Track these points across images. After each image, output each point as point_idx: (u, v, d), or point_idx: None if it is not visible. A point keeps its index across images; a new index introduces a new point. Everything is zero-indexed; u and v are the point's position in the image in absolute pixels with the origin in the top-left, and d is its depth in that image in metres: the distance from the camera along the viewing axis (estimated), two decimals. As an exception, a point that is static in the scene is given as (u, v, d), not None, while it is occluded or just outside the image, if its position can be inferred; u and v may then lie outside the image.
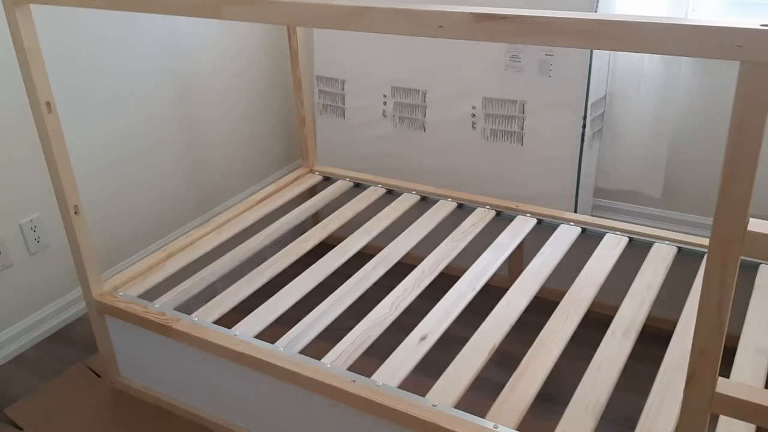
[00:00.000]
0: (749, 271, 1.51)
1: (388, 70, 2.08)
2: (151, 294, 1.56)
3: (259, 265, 1.66)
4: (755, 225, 0.74)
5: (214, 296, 1.54)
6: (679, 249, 1.62)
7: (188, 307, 1.61)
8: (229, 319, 1.50)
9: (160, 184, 2.03)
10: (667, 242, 1.64)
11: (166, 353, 1.46)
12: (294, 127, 2.26)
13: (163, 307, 1.47)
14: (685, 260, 1.61)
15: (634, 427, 1.13)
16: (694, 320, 1.36)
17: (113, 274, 1.95)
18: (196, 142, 2.10)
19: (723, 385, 0.84)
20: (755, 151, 0.70)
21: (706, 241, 1.62)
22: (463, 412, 1.15)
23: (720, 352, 0.81)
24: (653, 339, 1.56)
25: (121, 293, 1.53)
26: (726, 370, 1.26)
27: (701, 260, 1.58)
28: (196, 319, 1.42)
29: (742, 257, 0.78)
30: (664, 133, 1.91)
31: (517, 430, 1.12)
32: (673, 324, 1.37)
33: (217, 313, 1.47)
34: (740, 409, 0.83)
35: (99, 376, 1.65)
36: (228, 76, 2.17)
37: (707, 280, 0.78)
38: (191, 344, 1.38)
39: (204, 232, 1.78)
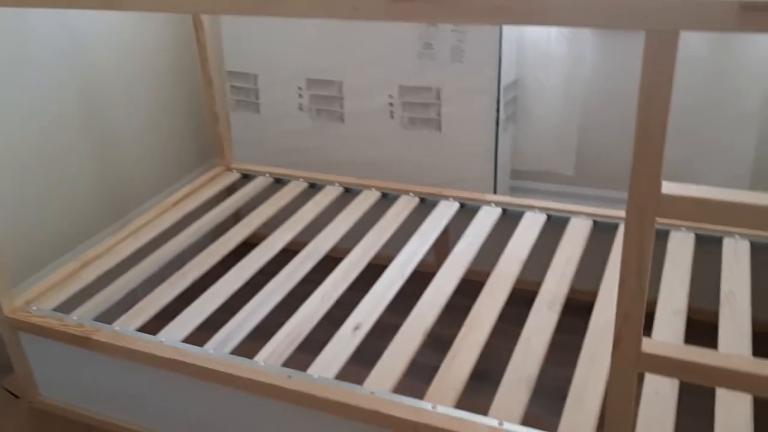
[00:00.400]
0: (661, 238, 1.59)
1: (302, 62, 2.05)
2: (68, 306, 1.49)
3: (180, 268, 1.61)
4: (668, 188, 0.78)
5: (135, 304, 1.48)
6: (595, 222, 1.69)
7: (108, 317, 1.54)
8: (152, 326, 1.45)
9: (70, 191, 1.94)
10: (582, 216, 1.70)
11: (88, 367, 1.40)
12: (207, 125, 2.21)
13: (81, 318, 1.41)
14: (601, 232, 1.67)
15: (565, 396, 1.17)
16: (614, 289, 1.42)
17: (26, 288, 1.84)
18: (106, 145, 2.01)
19: (648, 345, 0.87)
20: (664, 116, 0.73)
21: (619, 213, 1.69)
22: (401, 396, 1.16)
23: (643, 313, 0.85)
24: (576, 311, 1.61)
25: (35, 307, 1.45)
26: (647, 333, 1.31)
27: (615, 231, 1.65)
28: (117, 328, 1.36)
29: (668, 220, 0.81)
30: (573, 113, 1.97)
31: (454, 407, 1.13)
32: (594, 295, 1.43)
33: (140, 321, 1.41)
34: (665, 365, 0.87)
35: (17, 397, 1.56)
36: (135, 76, 2.08)
37: (627, 245, 0.81)
38: (114, 355, 1.33)
39: (120, 238, 1.71)
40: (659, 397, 1.13)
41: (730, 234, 1.56)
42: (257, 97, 2.17)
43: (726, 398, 1.12)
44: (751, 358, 0.85)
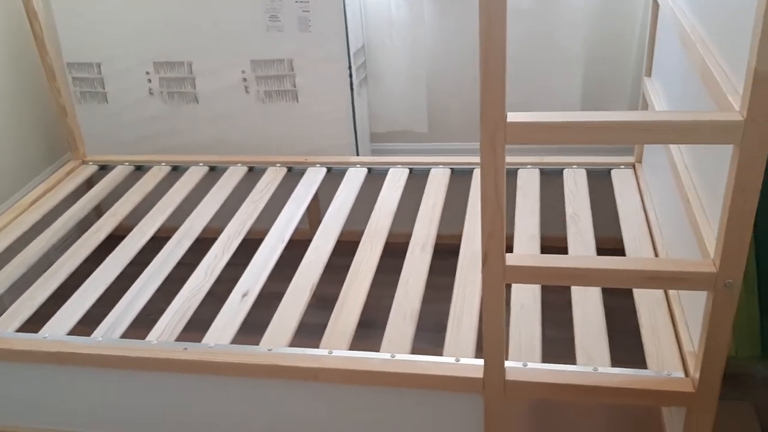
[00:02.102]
0: (511, 176, 1.75)
1: (147, 46, 2.01)
2: (-70, 321, 1.40)
3: (48, 268, 1.56)
4: (513, 116, 0.89)
5: (5, 309, 1.42)
6: (452, 170, 1.82)
7: (-22, 326, 1.46)
8: (31, 327, 1.40)
9: None
10: (441, 166, 1.83)
11: (-36, 379, 1.33)
12: (54, 120, 2.10)
13: (-50, 330, 1.33)
14: (459, 179, 1.81)
15: (445, 329, 1.28)
16: (476, 227, 1.56)
17: None
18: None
19: (511, 259, 0.99)
20: (502, 53, 0.84)
21: (473, 159, 1.83)
22: (298, 348, 1.22)
23: (503, 231, 0.96)
24: (446, 254, 1.74)
25: None
26: (509, 261, 1.46)
27: (471, 176, 1.79)
28: (-6, 332, 1.31)
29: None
30: (421, 74, 2.09)
31: (349, 350, 1.21)
32: (460, 237, 1.55)
33: (18, 322, 1.36)
34: (528, 274, 1.00)
35: None
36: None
37: (484, 170, 0.91)
38: (-4, 359, 1.28)
39: (-23, 246, 1.62)
40: (525, 310, 1.28)
41: (569, 165, 1.75)
42: (103, 87, 2.10)
43: (580, 305, 1.28)
44: (595, 256, 1.00)
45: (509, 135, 0.89)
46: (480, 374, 1.11)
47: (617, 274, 0.97)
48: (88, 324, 1.38)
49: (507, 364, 1.12)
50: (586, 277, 0.99)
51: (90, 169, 1.98)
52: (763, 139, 0.83)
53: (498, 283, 0.99)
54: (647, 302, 1.26)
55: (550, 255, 1.00)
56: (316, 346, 1.24)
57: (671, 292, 1.27)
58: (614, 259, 0.98)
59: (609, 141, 0.89)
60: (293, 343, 1.26)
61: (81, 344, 1.26)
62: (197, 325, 1.36)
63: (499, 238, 0.96)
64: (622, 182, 1.67)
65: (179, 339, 1.29)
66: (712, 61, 1.00)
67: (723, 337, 0.98)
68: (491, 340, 1.05)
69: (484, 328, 1.04)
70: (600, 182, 1.73)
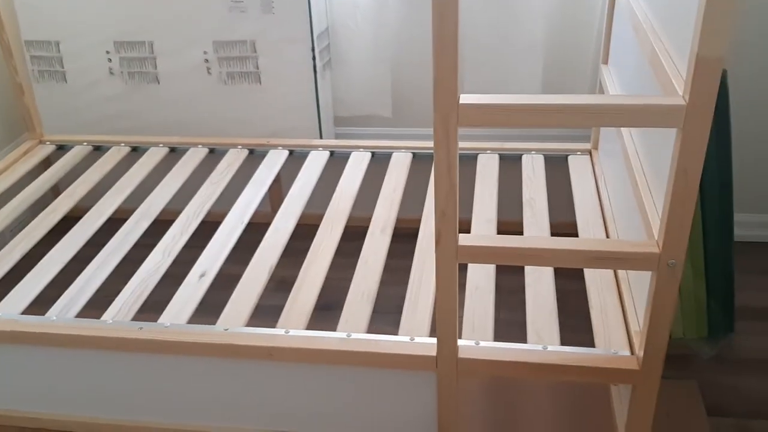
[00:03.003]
0: (470, 161, 1.77)
1: (107, 24, 1.98)
2: None
3: (2, 248, 1.53)
4: (465, 98, 0.90)
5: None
6: (414, 154, 1.84)
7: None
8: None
9: None
10: (403, 150, 1.85)
11: None
12: (10, 99, 2.06)
13: None
14: (420, 163, 1.83)
15: (401, 311, 1.29)
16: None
17: None
18: None
19: (463, 239, 1.01)
20: (454, 33, 0.85)
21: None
22: (254, 327, 1.22)
23: (456, 212, 0.98)
24: (405, 237, 1.75)
25: None
26: (466, 243, 1.48)
27: (432, 162, 1.80)
28: (-56, 311, 1.29)
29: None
30: (385, 58, 2.10)
31: (306, 329, 1.22)
32: (419, 222, 1.56)
33: (-33, 304, 1.34)
34: (480, 254, 1.02)
35: None
36: None
37: (437, 151, 0.93)
38: (-55, 338, 1.26)
39: (-72, 225, 1.59)
40: (479, 291, 1.30)
41: (528, 151, 1.78)
42: (62, 65, 2.06)
43: (533, 288, 1.31)
44: (545, 237, 1.02)
45: (462, 117, 0.90)
46: (433, 352, 1.13)
47: (566, 254, 1.00)
48: (42, 304, 1.36)
49: (460, 342, 1.14)
50: (536, 256, 1.01)
51: (47, 149, 1.95)
52: (704, 123, 0.85)
53: (451, 262, 1.01)
54: (597, 285, 1.30)
55: (502, 235, 1.02)
56: (272, 326, 1.25)
57: (620, 275, 1.30)
58: (563, 240, 1.01)
59: (560, 124, 0.91)
60: (250, 324, 1.26)
61: (34, 323, 1.25)
62: (154, 307, 1.35)
63: (452, 217, 0.98)
64: (578, 168, 1.71)
65: (135, 319, 1.28)
66: (661, 49, 1.03)
67: (666, 316, 1.01)
68: (444, 319, 1.07)
69: (437, 307, 1.06)
70: (557, 168, 1.76)
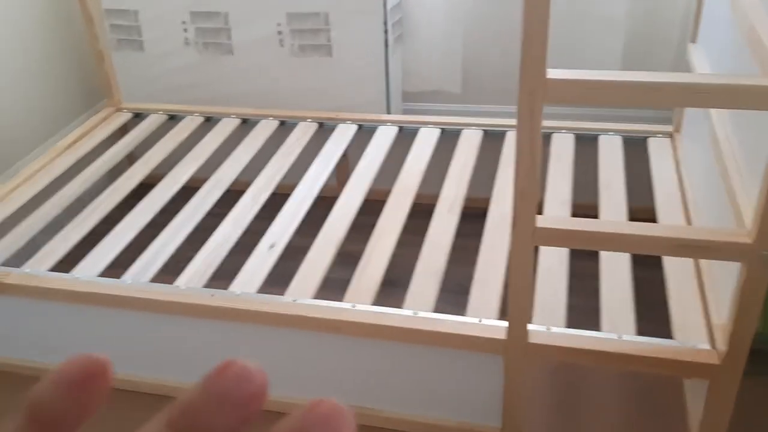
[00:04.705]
0: (544, 141, 1.72)
1: (184, -6, 2.00)
2: (-34, 256, 1.44)
3: (80, 212, 1.58)
4: (553, 73, 0.87)
5: (40, 248, 1.45)
6: (485, 132, 1.80)
7: (14, 263, 1.50)
8: (63, 268, 1.43)
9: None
10: (473, 128, 1.81)
11: (2, 314, 1.37)
12: (91, 66, 2.12)
13: (-15, 266, 1.37)
14: (491, 141, 1.79)
15: (469, 292, 1.27)
16: (506, 190, 1.54)
17: None
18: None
19: (541, 221, 0.98)
20: (546, 10, 0.81)
21: (507, 121, 1.80)
22: (322, 300, 1.23)
23: (537, 192, 0.95)
24: (474, 217, 1.72)
25: (-68, 260, 1.39)
26: (538, 225, 1.44)
27: (503, 139, 1.76)
28: (28, 270, 1.34)
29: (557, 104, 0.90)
30: (457, 32, 2.06)
31: (372, 305, 1.22)
32: (488, 201, 1.53)
33: (51, 262, 1.39)
34: (558, 237, 0.98)
35: None
36: (9, 20, 1.96)
37: (520, 128, 0.90)
38: (30, 296, 1.31)
39: (13, 186, 1.65)
40: (551, 274, 1.27)
41: (605, 132, 1.72)
42: (140, 35, 2.10)
43: (608, 274, 1.27)
44: (625, 221, 0.98)
45: (549, 93, 0.87)
46: (503, 335, 1.11)
47: (648, 240, 0.95)
48: (117, 268, 1.40)
49: (530, 327, 1.12)
50: (615, 241, 0.97)
51: (125, 116, 1.99)
52: (812, 107, 0.80)
53: (527, 245, 0.99)
54: (677, 273, 1.25)
55: (581, 218, 0.99)
56: (339, 299, 1.25)
57: (702, 264, 1.25)
58: (647, 226, 0.97)
59: (653, 103, 0.87)
60: (317, 297, 1.27)
61: (111, 285, 1.28)
62: (225, 274, 1.38)
63: (532, 198, 0.95)
64: (658, 151, 1.64)
65: (207, 286, 1.30)
66: (761, 25, 0.97)
67: (754, 311, 0.96)
68: (517, 302, 1.05)
69: (510, 289, 1.04)
70: (636, 150, 1.69)
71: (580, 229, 0.97)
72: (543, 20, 0.81)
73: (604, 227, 0.97)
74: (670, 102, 0.85)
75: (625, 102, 0.86)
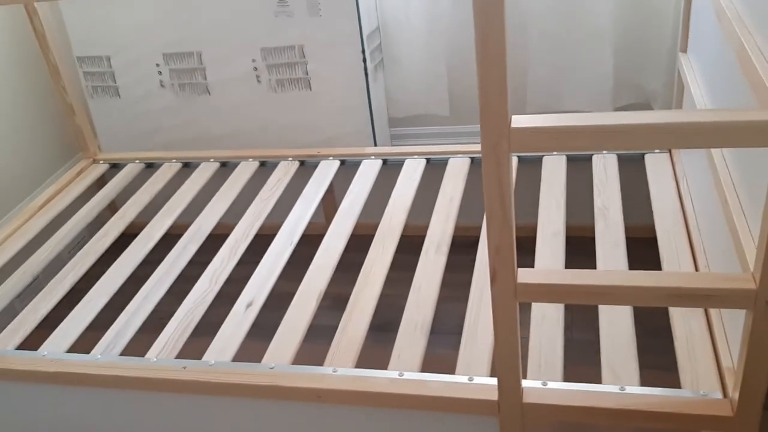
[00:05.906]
0: (535, 163, 1.63)
1: (155, 36, 1.94)
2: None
3: (57, 273, 1.52)
4: (517, 121, 0.78)
5: (13, 319, 1.39)
6: (472, 159, 1.71)
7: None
8: (34, 340, 1.36)
9: None
10: (460, 155, 1.72)
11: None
12: (64, 119, 2.06)
13: (-49, 346, 1.30)
14: (479, 168, 1.70)
15: (461, 332, 1.19)
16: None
17: None
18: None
19: (523, 275, 0.89)
20: (502, 52, 0.73)
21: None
22: (301, 366, 1.14)
23: (513, 246, 0.86)
24: (464, 247, 1.64)
25: None
26: (530, 257, 1.36)
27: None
28: (-7, 350, 1.27)
29: (524, 154, 0.82)
30: (440, 53, 1.97)
31: (355, 366, 1.14)
32: (479, 229, 1.45)
33: (19, 337, 1.32)
34: (542, 292, 0.89)
35: None
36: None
37: (487, 182, 0.81)
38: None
39: (-16, 254, 1.59)
40: (546, 321, 1.17)
41: (599, 151, 1.62)
42: (114, 80, 2.04)
43: (607, 310, 1.18)
44: (620, 271, 0.89)
45: (514, 143, 0.78)
46: (495, 396, 1.02)
47: (645, 292, 0.86)
48: (95, 330, 1.34)
49: (525, 383, 1.03)
50: (609, 295, 0.88)
51: (101, 168, 1.93)
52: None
53: (509, 302, 0.90)
54: (682, 312, 1.15)
55: (568, 270, 0.90)
56: (325, 351, 1.17)
57: (709, 297, 1.15)
58: (641, 275, 0.87)
59: (627, 146, 0.78)
60: (301, 347, 1.20)
61: (79, 363, 1.21)
62: (203, 330, 1.31)
63: (509, 254, 0.86)
64: (656, 168, 1.54)
65: (184, 348, 1.23)
66: (752, 45, 0.87)
67: (764, 358, 0.87)
68: (504, 362, 0.96)
69: (496, 350, 0.95)
70: (633, 167, 1.60)
71: (566, 282, 0.88)
72: (500, 67, 0.73)
73: (595, 279, 0.88)
74: (644, 144, 0.76)
75: (597, 147, 0.77)
